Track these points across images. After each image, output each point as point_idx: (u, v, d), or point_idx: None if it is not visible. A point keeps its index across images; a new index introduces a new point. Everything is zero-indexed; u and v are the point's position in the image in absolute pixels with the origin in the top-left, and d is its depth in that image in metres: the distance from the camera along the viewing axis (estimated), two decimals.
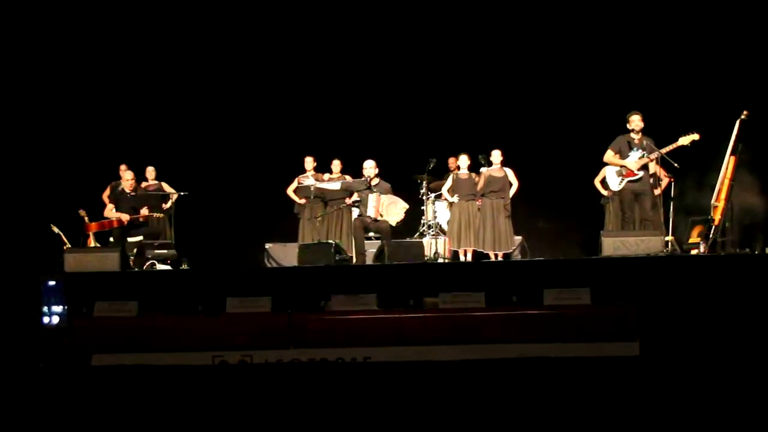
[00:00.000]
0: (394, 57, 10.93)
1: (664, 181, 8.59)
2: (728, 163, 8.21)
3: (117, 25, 10.76)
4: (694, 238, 8.52)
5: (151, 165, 9.72)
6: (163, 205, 9.15)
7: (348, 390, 4.46)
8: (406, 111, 10.90)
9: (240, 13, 10.94)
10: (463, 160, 9.28)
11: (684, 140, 7.83)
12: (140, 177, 9.46)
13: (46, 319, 6.09)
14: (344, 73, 11.02)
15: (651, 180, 8.08)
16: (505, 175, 9.15)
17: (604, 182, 9.13)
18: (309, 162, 9.71)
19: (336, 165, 9.65)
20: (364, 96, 10.95)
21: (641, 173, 8.01)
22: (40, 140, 10.54)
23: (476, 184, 9.17)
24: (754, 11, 9.83)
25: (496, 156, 9.16)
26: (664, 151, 7.88)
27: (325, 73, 11.06)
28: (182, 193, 9.02)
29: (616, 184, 8.17)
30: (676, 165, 7.96)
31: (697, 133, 7.80)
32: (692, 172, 8.42)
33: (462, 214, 9.12)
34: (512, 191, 9.16)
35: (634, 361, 5.34)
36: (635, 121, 8.05)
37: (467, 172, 9.26)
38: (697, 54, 10.09)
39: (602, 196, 9.26)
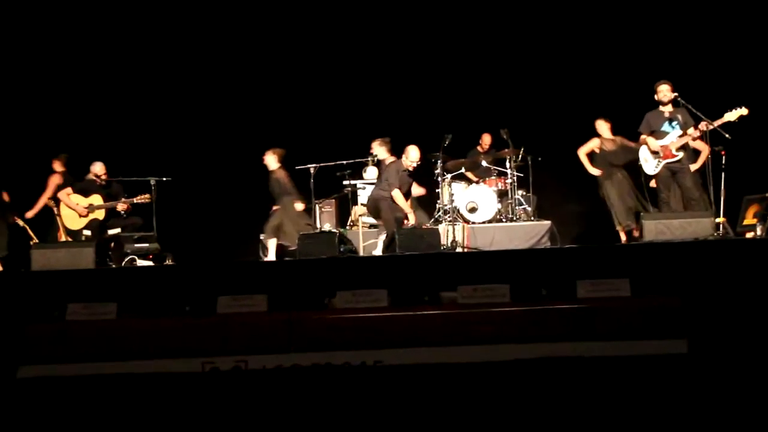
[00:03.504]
0: (399, 23, 10.92)
1: (704, 153, 8.41)
2: None
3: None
4: (749, 220, 8.49)
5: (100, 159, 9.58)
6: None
7: (357, 398, 4.47)
8: (416, 81, 10.88)
9: None
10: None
11: (730, 116, 7.81)
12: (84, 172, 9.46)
13: None
14: (344, 44, 11.04)
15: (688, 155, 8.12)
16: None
17: (593, 156, 9.23)
18: None
19: None
20: (367, 66, 10.94)
21: (681, 154, 8.03)
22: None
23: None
24: None
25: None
26: (702, 129, 7.85)
27: (323, 45, 11.08)
28: (164, 179, 9.05)
29: (652, 167, 8.20)
30: (727, 136, 7.91)
31: (746, 107, 7.79)
32: (746, 144, 8.37)
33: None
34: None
35: (681, 360, 5.32)
36: (663, 91, 8.07)
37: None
38: (745, 18, 10.04)
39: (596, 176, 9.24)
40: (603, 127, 9.30)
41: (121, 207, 9.03)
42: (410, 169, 8.81)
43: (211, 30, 11.06)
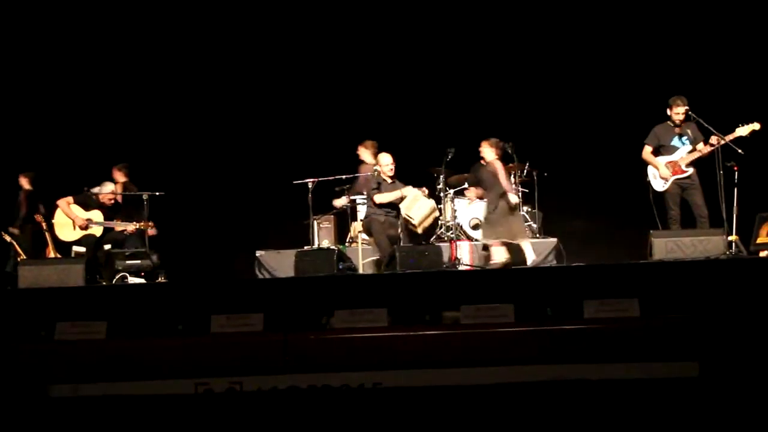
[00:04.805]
0: (400, 33, 10.97)
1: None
2: None
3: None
4: (762, 238, 8.49)
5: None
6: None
7: (355, 422, 4.46)
8: (418, 93, 10.90)
9: None
10: None
11: (742, 131, 7.88)
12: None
13: None
14: (344, 56, 11.08)
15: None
16: None
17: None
18: None
19: None
20: (367, 79, 10.96)
21: (690, 170, 8.06)
22: None
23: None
24: None
25: None
26: (713, 144, 7.88)
27: (322, 56, 11.12)
28: (157, 194, 9.06)
29: (660, 184, 8.21)
30: (740, 151, 7.95)
31: (758, 122, 7.83)
32: (759, 159, 8.40)
33: None
34: None
35: (692, 383, 5.31)
36: (678, 113, 8.08)
37: None
38: (759, 31, 10.09)
39: None
40: (365, 153, 9.28)
41: (129, 229, 8.95)
42: (389, 175, 8.85)
43: (207, 42, 11.10)
